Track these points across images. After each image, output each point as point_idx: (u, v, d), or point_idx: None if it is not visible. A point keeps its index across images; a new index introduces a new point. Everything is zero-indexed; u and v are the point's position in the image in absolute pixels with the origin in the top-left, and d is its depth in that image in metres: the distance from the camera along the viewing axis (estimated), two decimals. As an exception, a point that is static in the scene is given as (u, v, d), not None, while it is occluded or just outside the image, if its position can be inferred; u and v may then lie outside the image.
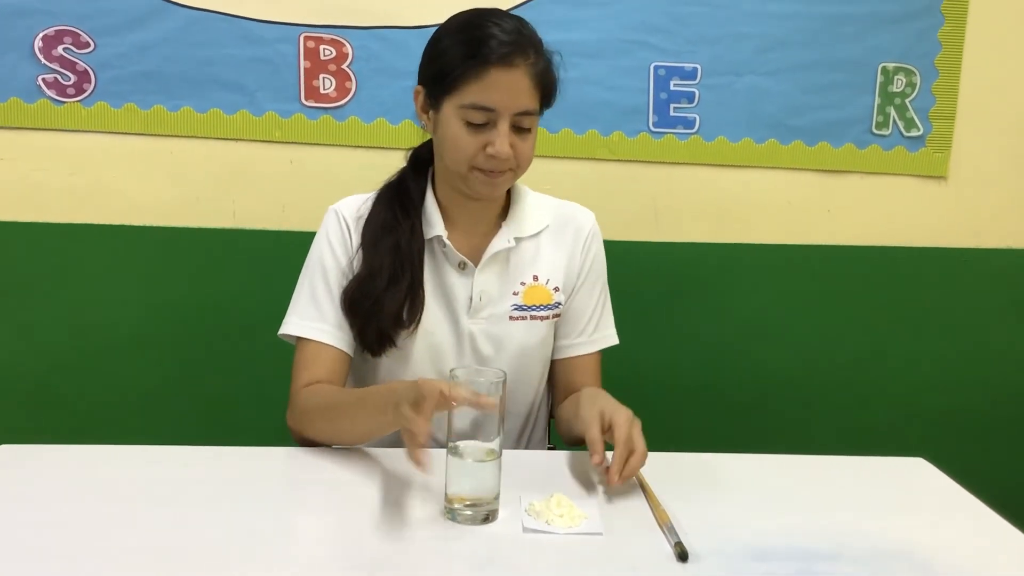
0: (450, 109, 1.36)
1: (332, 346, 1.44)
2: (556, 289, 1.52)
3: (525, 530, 1.12)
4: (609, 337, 1.59)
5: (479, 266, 1.47)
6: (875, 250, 2.32)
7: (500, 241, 1.48)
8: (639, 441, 1.24)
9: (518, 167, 1.40)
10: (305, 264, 1.49)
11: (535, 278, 1.50)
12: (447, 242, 1.45)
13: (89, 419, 2.17)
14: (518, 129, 1.36)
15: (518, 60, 1.33)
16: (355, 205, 1.50)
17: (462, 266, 1.47)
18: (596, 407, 1.30)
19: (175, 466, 1.29)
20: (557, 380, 1.59)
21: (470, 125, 1.35)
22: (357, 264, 1.46)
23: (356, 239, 1.47)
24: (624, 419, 1.26)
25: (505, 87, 1.33)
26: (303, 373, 1.43)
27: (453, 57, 1.34)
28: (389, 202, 1.48)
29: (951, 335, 2.38)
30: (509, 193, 1.52)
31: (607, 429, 1.27)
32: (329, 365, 1.44)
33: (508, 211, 1.51)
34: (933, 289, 2.35)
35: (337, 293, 1.45)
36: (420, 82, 1.42)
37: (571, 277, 1.54)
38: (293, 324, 1.46)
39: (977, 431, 2.41)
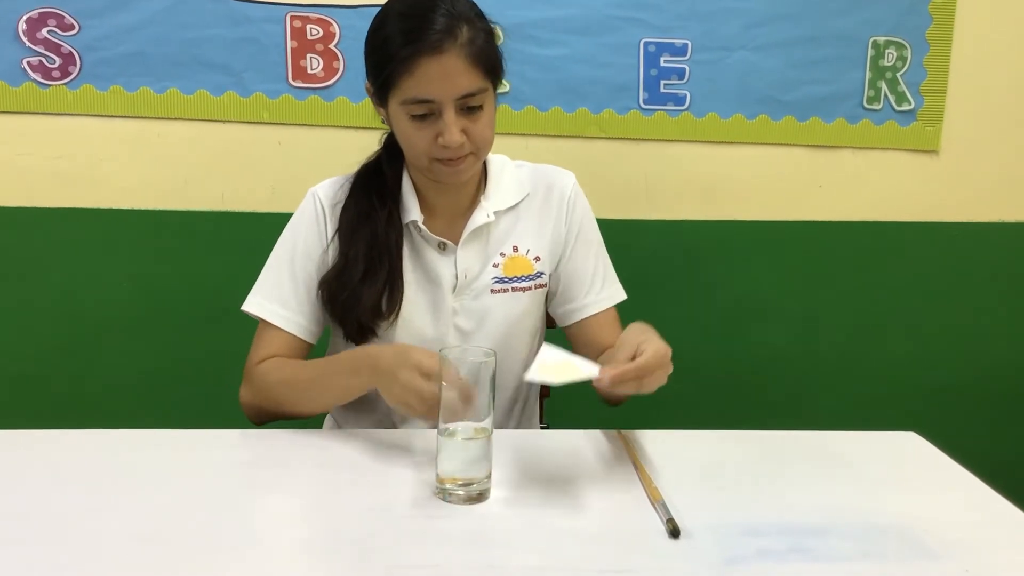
0: (394, 106, 1.33)
1: (288, 332, 1.43)
2: (537, 259, 1.50)
3: (528, 381, 1.17)
4: (617, 293, 1.57)
5: (460, 244, 1.45)
6: (867, 225, 2.32)
7: (479, 217, 1.46)
8: (664, 368, 1.22)
9: (478, 150, 1.36)
10: (277, 243, 1.48)
11: (515, 249, 1.49)
12: (422, 226, 1.44)
13: (77, 403, 2.17)
14: (469, 110, 1.32)
15: (447, 44, 1.27)
16: (333, 190, 1.48)
17: (442, 247, 1.46)
18: (635, 338, 1.23)
19: (164, 450, 1.29)
20: (581, 342, 1.55)
21: (415, 119, 1.31)
22: (333, 253, 1.44)
23: (331, 227, 1.45)
24: (659, 345, 1.21)
25: (438, 76, 1.28)
26: (259, 350, 1.43)
27: (384, 52, 1.30)
28: (365, 189, 1.46)
29: (943, 310, 2.38)
30: (487, 167, 1.50)
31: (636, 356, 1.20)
32: (285, 350, 1.44)
33: (486, 186, 1.49)
34: (925, 264, 2.35)
35: (302, 279, 1.44)
36: (367, 78, 1.39)
37: (558, 243, 1.52)
38: (254, 303, 1.45)
39: (969, 405, 2.41)
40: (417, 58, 1.27)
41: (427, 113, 1.31)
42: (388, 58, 1.29)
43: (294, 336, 1.43)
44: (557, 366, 1.18)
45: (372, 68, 1.35)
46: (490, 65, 1.33)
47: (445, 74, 1.28)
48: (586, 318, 1.54)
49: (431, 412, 1.14)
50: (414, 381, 1.19)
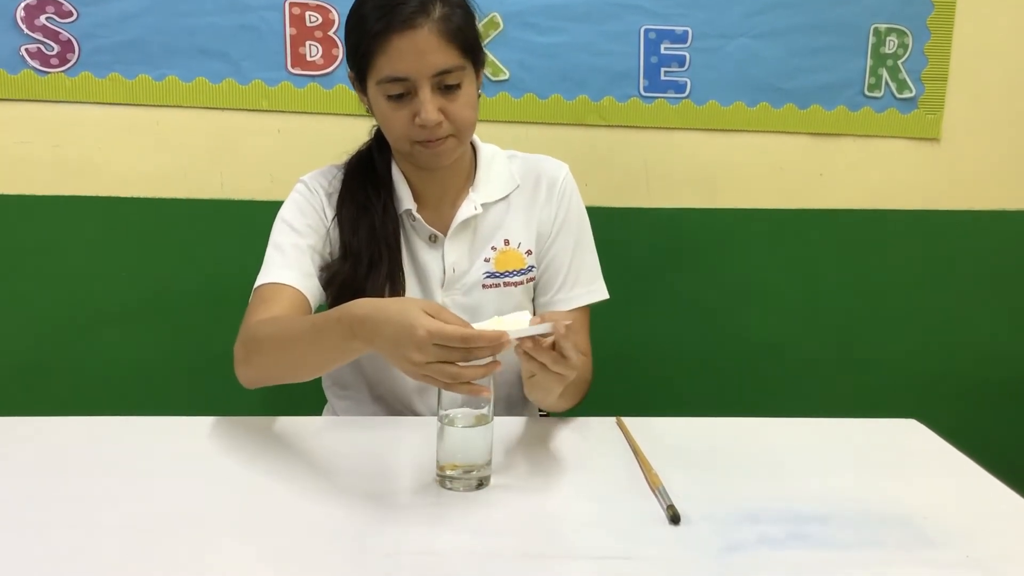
0: (372, 88, 1.32)
1: (291, 286, 1.36)
2: (528, 252, 1.48)
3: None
4: (594, 292, 1.51)
5: (447, 237, 1.44)
6: (868, 213, 2.31)
7: (467, 209, 1.44)
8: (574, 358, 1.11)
9: (458, 131, 1.34)
10: (273, 230, 1.44)
11: (506, 242, 1.47)
12: (416, 215, 1.43)
13: (78, 391, 2.16)
14: (447, 88, 1.30)
15: (420, 20, 1.26)
16: (326, 179, 1.47)
17: (432, 239, 1.45)
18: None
19: (165, 437, 1.29)
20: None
21: (392, 99, 1.30)
22: (334, 234, 1.43)
23: (330, 212, 1.44)
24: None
25: (412, 52, 1.26)
26: (258, 309, 1.34)
27: (359, 33, 1.30)
28: (360, 179, 1.45)
29: (943, 298, 2.37)
30: (476, 158, 1.49)
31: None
32: (288, 304, 1.34)
33: (475, 176, 1.47)
34: (926, 252, 2.35)
35: (304, 245, 1.40)
36: (347, 65, 1.38)
37: (544, 234, 1.50)
38: (259, 280, 1.39)
39: (969, 393, 2.41)
40: (389, 35, 1.26)
41: (403, 93, 1.30)
42: (362, 37, 1.29)
43: (298, 291, 1.36)
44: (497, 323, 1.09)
45: (350, 51, 1.35)
46: (467, 43, 1.31)
47: (418, 50, 1.27)
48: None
49: (467, 385, 1.05)
50: (427, 355, 1.03)
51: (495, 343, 1.04)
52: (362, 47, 1.29)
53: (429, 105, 1.29)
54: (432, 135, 1.32)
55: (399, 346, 1.05)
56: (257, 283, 1.39)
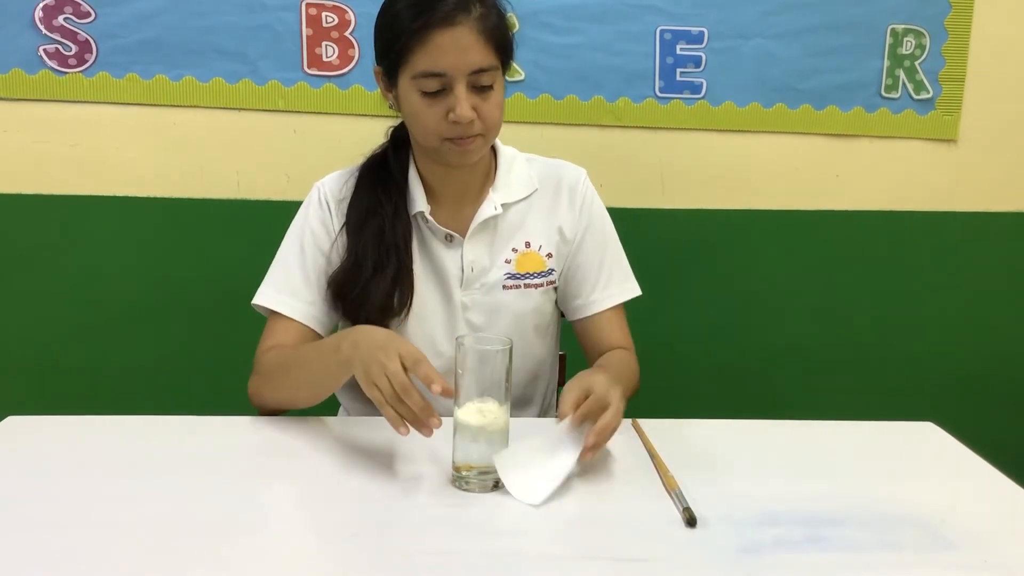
0: (405, 82, 1.32)
1: (298, 321, 1.41)
2: (549, 255, 1.49)
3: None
4: (628, 290, 1.54)
5: (467, 236, 1.45)
6: (884, 215, 2.31)
7: (487, 208, 1.45)
8: (615, 397, 1.17)
9: (487, 131, 1.35)
10: (285, 238, 1.48)
11: (527, 244, 1.48)
12: (429, 218, 1.43)
13: (93, 390, 2.18)
14: (479, 88, 1.31)
15: (460, 17, 1.27)
16: (338, 185, 1.48)
17: (449, 239, 1.45)
18: (583, 380, 1.21)
19: (180, 436, 1.29)
20: (584, 342, 1.55)
21: (426, 95, 1.31)
22: (341, 247, 1.44)
23: (338, 221, 1.45)
24: (602, 381, 1.19)
25: (451, 48, 1.27)
26: (268, 340, 1.42)
27: (395, 28, 1.30)
28: (371, 183, 1.45)
29: (961, 300, 2.36)
30: (496, 159, 1.49)
31: (585, 398, 1.17)
32: (295, 339, 1.41)
33: (496, 177, 1.48)
34: (943, 254, 2.34)
35: (312, 269, 1.43)
36: (376, 60, 1.38)
37: (566, 239, 1.50)
38: (264, 296, 1.44)
39: (986, 395, 2.40)
40: (429, 31, 1.27)
41: (438, 90, 1.30)
42: (400, 33, 1.29)
43: (304, 325, 1.42)
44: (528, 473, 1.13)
45: (382, 47, 1.35)
46: (502, 43, 1.33)
47: (458, 47, 1.28)
48: (589, 316, 1.52)
49: (395, 403, 1.11)
50: (390, 363, 1.11)
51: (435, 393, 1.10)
52: (399, 42, 1.29)
53: (465, 102, 1.30)
54: (465, 132, 1.33)
55: (384, 348, 1.13)
56: (265, 304, 1.43)
